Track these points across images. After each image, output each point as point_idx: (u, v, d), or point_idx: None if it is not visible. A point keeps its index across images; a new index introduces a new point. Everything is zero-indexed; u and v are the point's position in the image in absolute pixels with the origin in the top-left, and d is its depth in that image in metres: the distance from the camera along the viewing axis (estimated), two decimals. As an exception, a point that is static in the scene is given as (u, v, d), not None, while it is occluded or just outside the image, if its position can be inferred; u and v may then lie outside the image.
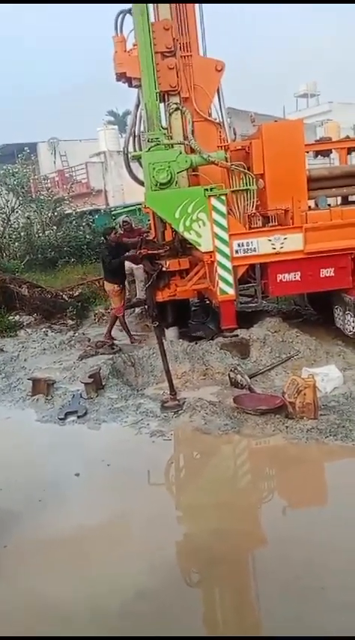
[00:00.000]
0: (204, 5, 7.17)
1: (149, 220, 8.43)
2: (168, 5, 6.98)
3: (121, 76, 7.24)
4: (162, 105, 7.13)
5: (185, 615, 2.77)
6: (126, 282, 9.51)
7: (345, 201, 7.87)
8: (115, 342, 7.92)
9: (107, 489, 4.07)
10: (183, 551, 3.39)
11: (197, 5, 7.16)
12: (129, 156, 7.76)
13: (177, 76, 6.98)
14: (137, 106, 7.51)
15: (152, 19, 6.83)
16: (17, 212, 16.44)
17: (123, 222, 9.26)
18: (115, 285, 8.01)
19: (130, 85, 7.34)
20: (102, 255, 8.42)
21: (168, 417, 5.15)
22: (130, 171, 8.04)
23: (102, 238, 8.80)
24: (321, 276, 6.67)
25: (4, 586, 3.11)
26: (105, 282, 8.33)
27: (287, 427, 4.70)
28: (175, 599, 2.88)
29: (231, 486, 4.09)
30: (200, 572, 3.12)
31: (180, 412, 5.17)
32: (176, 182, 6.60)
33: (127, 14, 7.03)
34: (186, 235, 6.62)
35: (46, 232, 16.18)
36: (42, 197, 17.58)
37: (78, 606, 2.87)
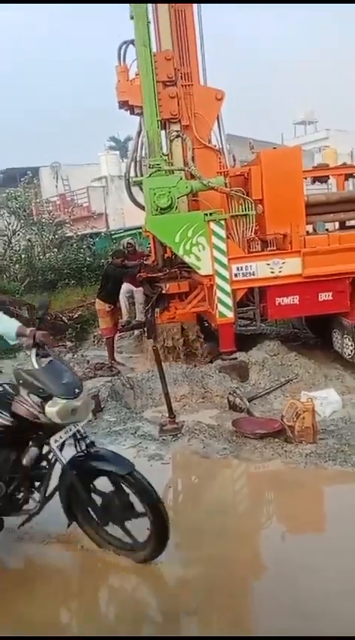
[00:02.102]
0: (205, 34, 7.40)
1: (149, 244, 8.52)
2: (169, 36, 7.20)
3: (124, 104, 7.43)
4: (163, 132, 7.30)
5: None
6: (124, 305, 9.56)
7: (343, 226, 7.98)
8: (115, 364, 7.90)
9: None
10: (180, 576, 3.34)
11: (198, 34, 7.38)
12: (131, 181, 7.90)
13: (178, 105, 7.15)
14: (139, 132, 7.68)
15: (154, 50, 7.03)
16: (19, 235, 16.63)
17: (128, 244, 9.33)
18: (106, 305, 8.01)
19: (132, 113, 7.53)
20: (105, 272, 8.38)
21: (166, 440, 5.12)
22: (131, 196, 8.17)
23: (111, 258, 8.81)
24: (319, 299, 6.72)
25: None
26: (97, 300, 8.28)
27: (286, 451, 4.67)
28: (172, 626, 2.83)
29: (230, 511, 4.04)
30: (197, 597, 3.06)
31: (178, 435, 5.15)
32: (176, 207, 6.71)
33: (130, 45, 7.26)
34: (186, 259, 6.69)
35: (47, 255, 16.34)
36: (43, 220, 17.80)
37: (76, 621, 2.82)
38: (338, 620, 2.76)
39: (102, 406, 5.95)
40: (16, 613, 2.99)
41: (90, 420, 5.62)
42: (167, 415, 5.46)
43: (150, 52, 6.82)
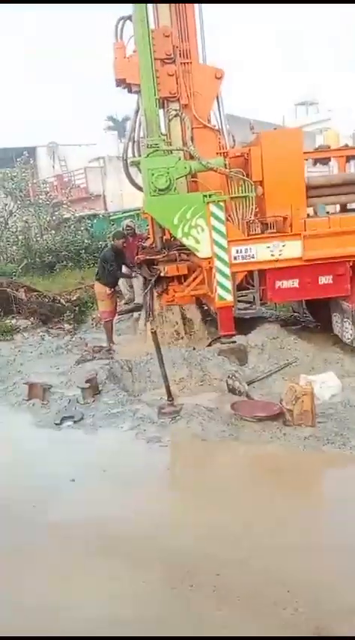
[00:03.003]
0: (204, 11, 7.23)
1: (147, 226, 8.43)
2: (168, 12, 7.04)
3: (121, 82, 7.27)
4: (161, 111, 7.17)
5: (181, 623, 2.74)
6: (123, 287, 9.51)
7: (344, 209, 7.90)
8: (114, 347, 7.88)
9: (102, 495, 4.03)
10: (178, 558, 3.36)
11: (197, 12, 7.21)
12: (129, 161, 7.78)
13: (177, 83, 7.02)
14: (136, 111, 7.54)
15: (152, 26, 6.86)
16: (15, 216, 16.47)
17: (127, 226, 9.23)
18: (107, 288, 7.95)
19: (130, 91, 7.38)
20: (104, 256, 8.28)
21: (165, 423, 5.12)
22: (129, 177, 8.05)
23: (111, 241, 8.70)
24: (320, 283, 6.68)
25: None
26: (96, 283, 8.19)
27: (284, 434, 4.68)
28: (171, 607, 2.85)
29: (228, 493, 4.05)
30: (196, 578, 3.08)
31: (177, 418, 5.14)
32: (175, 188, 6.62)
33: (127, 21, 7.08)
34: (185, 241, 6.62)
35: (44, 236, 16.19)
36: (40, 201, 17.61)
37: (68, 613, 2.84)
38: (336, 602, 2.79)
39: (100, 389, 5.94)
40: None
41: (88, 403, 5.65)
42: (166, 398, 5.46)
43: (148, 28, 6.65)
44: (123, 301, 9.67)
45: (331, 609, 2.75)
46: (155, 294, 7.44)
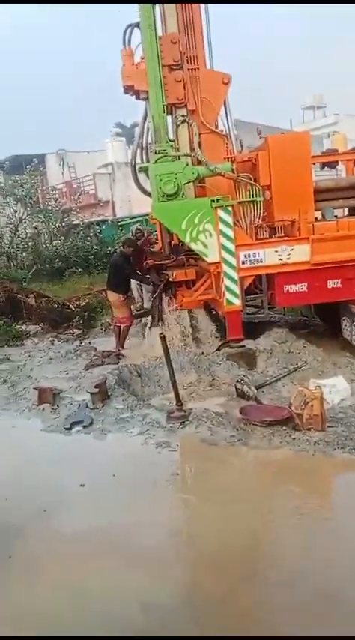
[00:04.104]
0: (211, 16, 7.27)
1: (156, 231, 8.47)
2: (175, 19, 7.07)
3: (129, 89, 7.33)
4: (169, 117, 7.21)
5: (189, 627, 2.74)
6: (136, 292, 9.53)
7: (352, 212, 7.86)
8: (123, 352, 7.90)
9: (112, 500, 4.05)
10: (188, 562, 3.36)
11: (204, 18, 7.25)
12: (137, 167, 7.83)
13: (184, 89, 7.05)
14: (144, 118, 7.59)
15: (159, 33, 6.91)
16: (25, 222, 16.60)
17: (137, 230, 9.28)
18: (120, 295, 8.01)
19: (138, 98, 7.43)
20: (115, 263, 8.30)
21: (174, 427, 5.12)
22: (138, 183, 8.10)
23: (121, 246, 8.77)
24: (328, 287, 6.65)
25: (8, 595, 3.09)
26: (108, 292, 8.27)
27: (294, 439, 4.66)
28: (180, 612, 2.84)
29: (238, 498, 4.05)
30: (206, 584, 3.08)
31: (186, 423, 5.14)
32: (183, 193, 6.64)
33: (135, 28, 7.14)
34: (193, 246, 6.64)
35: (54, 242, 16.32)
36: (50, 208, 17.76)
37: (79, 618, 2.85)
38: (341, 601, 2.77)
39: (109, 394, 5.96)
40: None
41: (97, 408, 5.67)
42: (174, 403, 5.46)
43: (156, 35, 6.71)
44: (134, 307, 9.71)
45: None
46: (164, 298, 7.46)
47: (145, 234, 9.31)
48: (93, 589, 3.07)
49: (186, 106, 7.15)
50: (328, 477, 4.37)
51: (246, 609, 2.86)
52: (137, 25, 7.00)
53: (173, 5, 7.02)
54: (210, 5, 7.25)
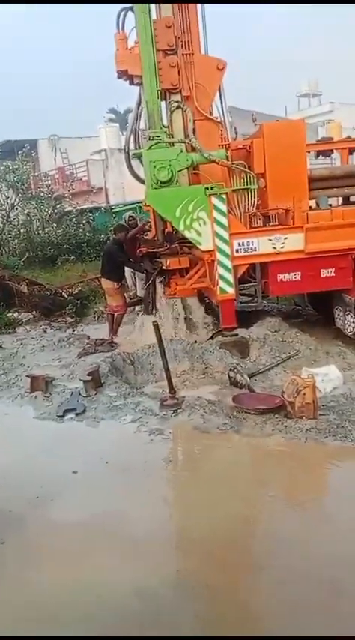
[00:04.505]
0: (205, 4, 7.16)
1: (149, 218, 8.41)
2: (170, 5, 6.95)
3: (122, 74, 7.22)
4: (163, 103, 7.12)
5: (183, 614, 2.77)
6: (130, 280, 9.48)
7: (346, 201, 7.86)
8: (116, 339, 7.88)
9: (105, 487, 4.06)
10: (180, 549, 3.39)
11: (199, 4, 7.14)
12: (130, 154, 7.75)
13: (179, 74, 6.97)
14: (138, 104, 7.49)
15: (154, 17, 6.81)
16: (17, 209, 16.39)
17: (129, 217, 9.21)
18: (114, 283, 7.98)
19: (131, 83, 7.33)
20: (108, 251, 8.26)
21: (166, 415, 5.14)
22: (131, 169, 8.03)
23: (113, 233, 8.70)
24: (322, 276, 6.65)
25: (0, 583, 3.10)
26: (102, 279, 8.24)
27: (286, 427, 4.69)
28: (173, 598, 2.87)
29: (230, 485, 4.08)
30: (198, 570, 3.11)
31: (179, 411, 5.16)
32: (177, 180, 6.59)
33: (129, 12, 7.02)
34: (187, 234, 6.60)
35: (46, 229, 16.16)
36: (42, 194, 17.56)
37: (73, 605, 2.87)
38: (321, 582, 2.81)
39: (102, 381, 5.96)
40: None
41: (90, 396, 5.67)
42: (167, 391, 5.48)
43: (150, 18, 6.61)
44: (127, 295, 9.67)
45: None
46: (157, 287, 7.43)
47: (138, 222, 9.25)
48: (86, 576, 3.09)
49: (180, 91, 7.07)
50: (319, 465, 4.41)
51: (237, 594, 2.89)
52: (131, 8, 6.89)
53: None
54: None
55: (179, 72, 6.96)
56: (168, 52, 6.92)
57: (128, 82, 7.33)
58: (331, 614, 2.70)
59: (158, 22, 6.84)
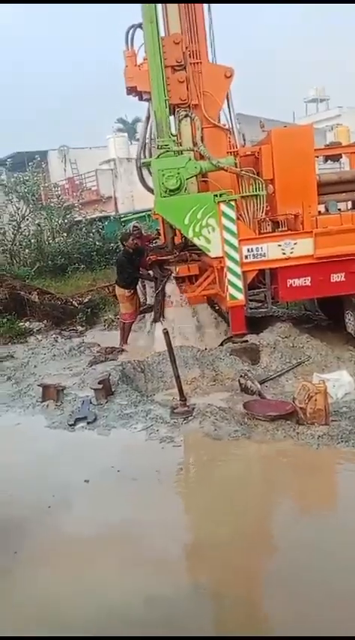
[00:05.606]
0: (213, 11, 7.21)
1: (159, 227, 8.45)
2: (177, 18, 7.00)
3: (132, 90, 7.32)
4: (171, 117, 7.16)
5: (192, 621, 2.74)
6: (139, 288, 9.52)
7: (355, 205, 7.83)
8: (126, 347, 7.90)
9: (116, 496, 4.05)
10: (192, 557, 3.37)
11: (206, 12, 7.19)
12: (141, 164, 7.80)
13: (187, 89, 7.00)
14: (147, 119, 7.56)
15: (162, 34, 6.85)
16: (28, 219, 16.58)
17: (134, 227, 9.26)
18: (126, 291, 8.02)
19: (141, 99, 7.43)
20: (119, 261, 8.34)
21: (177, 423, 5.12)
22: (143, 180, 8.06)
23: (121, 244, 8.78)
24: (332, 281, 6.62)
25: (13, 592, 3.10)
26: (116, 286, 8.33)
27: (298, 433, 4.65)
28: (184, 606, 2.85)
29: (242, 492, 4.05)
30: (209, 578, 3.08)
31: (189, 418, 5.14)
32: (185, 188, 6.62)
33: (138, 29, 7.10)
34: (196, 241, 6.62)
35: (56, 239, 16.32)
36: (52, 204, 17.75)
37: (84, 612, 2.85)
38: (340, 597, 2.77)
39: (113, 390, 5.96)
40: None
41: (101, 404, 5.67)
42: (178, 398, 5.46)
43: (158, 34, 6.65)
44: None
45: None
46: (167, 294, 7.45)
47: (142, 232, 9.29)
48: (98, 585, 3.08)
49: (189, 106, 7.10)
50: (332, 471, 4.36)
51: (249, 602, 2.86)
52: (140, 25, 6.96)
53: (175, 3, 6.96)
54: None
55: (187, 87, 7.00)
56: (177, 68, 6.96)
57: (137, 97, 7.41)
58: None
59: (166, 39, 6.88)
